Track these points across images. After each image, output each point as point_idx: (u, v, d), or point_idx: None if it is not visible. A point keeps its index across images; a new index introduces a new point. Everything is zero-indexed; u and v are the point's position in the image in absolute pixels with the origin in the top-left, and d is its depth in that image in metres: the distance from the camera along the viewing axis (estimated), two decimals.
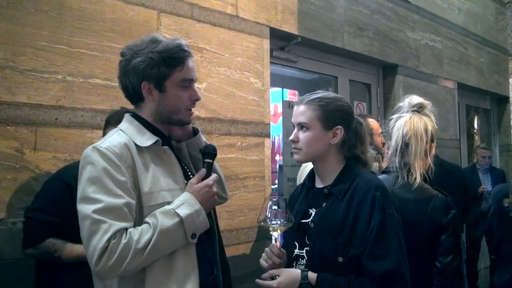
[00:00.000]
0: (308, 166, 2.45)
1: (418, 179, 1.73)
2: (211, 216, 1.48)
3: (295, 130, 1.51)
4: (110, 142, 1.30)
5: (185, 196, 1.33)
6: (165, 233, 1.24)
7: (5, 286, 1.86)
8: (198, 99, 1.43)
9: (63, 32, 2.09)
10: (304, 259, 1.45)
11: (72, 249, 1.70)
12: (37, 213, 1.75)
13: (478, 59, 5.49)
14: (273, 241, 1.43)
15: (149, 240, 1.22)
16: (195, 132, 1.55)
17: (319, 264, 1.38)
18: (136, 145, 1.32)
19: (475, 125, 6.23)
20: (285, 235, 1.49)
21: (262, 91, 2.99)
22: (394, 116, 1.87)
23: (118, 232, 1.19)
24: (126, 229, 1.22)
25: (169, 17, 2.52)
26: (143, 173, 1.30)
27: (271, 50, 3.14)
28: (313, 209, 1.48)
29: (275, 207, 1.41)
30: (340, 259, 1.36)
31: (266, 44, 3.04)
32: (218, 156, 2.56)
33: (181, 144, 1.51)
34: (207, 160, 1.45)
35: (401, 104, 1.89)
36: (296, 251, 1.48)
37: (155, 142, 1.35)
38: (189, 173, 1.48)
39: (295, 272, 1.37)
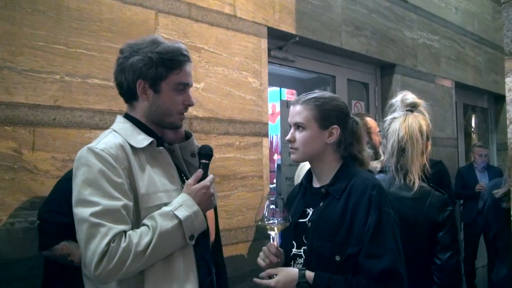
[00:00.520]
0: (306, 165, 2.45)
1: (417, 183, 1.74)
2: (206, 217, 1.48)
3: (292, 130, 1.52)
4: (105, 143, 1.28)
5: (183, 197, 1.32)
6: (165, 236, 1.24)
7: (3, 286, 1.86)
8: (191, 104, 1.43)
9: (61, 32, 2.09)
10: (302, 258, 1.46)
11: None
12: (50, 214, 1.74)
13: (476, 58, 5.51)
14: (271, 240, 1.44)
15: (149, 243, 1.21)
16: (187, 136, 1.55)
17: (317, 263, 1.39)
18: (131, 146, 1.31)
19: (473, 124, 6.25)
20: (283, 235, 1.50)
21: (260, 90, 2.99)
22: (389, 118, 1.87)
23: (117, 236, 1.18)
24: (125, 232, 1.21)
25: (167, 17, 2.52)
26: (139, 174, 1.29)
27: (269, 50, 3.15)
28: (311, 208, 1.49)
29: (272, 206, 1.42)
30: (337, 258, 1.37)
31: (264, 43, 3.04)
32: (217, 155, 2.58)
33: (174, 146, 1.51)
34: (203, 161, 1.44)
35: (393, 101, 1.90)
36: (294, 250, 1.49)
37: (150, 143, 1.34)
38: (183, 176, 1.47)
39: (293, 271, 1.38)
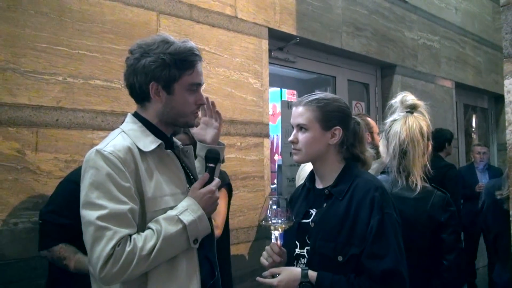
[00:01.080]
0: (307, 166, 2.47)
1: (419, 184, 1.74)
2: (211, 220, 1.48)
3: (294, 131, 1.52)
4: (114, 146, 1.28)
5: (188, 201, 1.32)
6: (169, 240, 1.24)
7: (7, 286, 1.88)
8: (203, 103, 1.44)
9: (63, 33, 2.11)
10: (305, 259, 1.46)
11: (80, 261, 1.69)
12: (51, 215, 1.75)
13: (476, 58, 5.52)
14: (274, 240, 1.45)
15: (153, 247, 1.22)
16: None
17: (319, 263, 1.40)
18: (139, 149, 1.31)
19: (473, 124, 6.26)
20: (286, 235, 1.51)
21: (261, 91, 3.00)
22: (389, 120, 1.87)
23: (122, 239, 1.19)
24: (130, 235, 1.21)
25: (168, 18, 2.54)
26: (146, 178, 1.29)
27: (270, 51, 3.16)
28: (314, 209, 1.50)
29: (276, 206, 1.43)
30: (340, 258, 1.37)
31: (264, 44, 3.05)
32: None
33: (188, 147, 1.51)
34: (210, 165, 1.43)
35: (393, 102, 1.90)
36: (297, 250, 1.50)
37: (158, 146, 1.34)
38: (191, 177, 1.47)
39: (296, 271, 1.39)
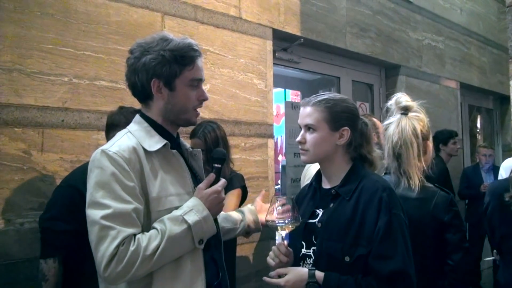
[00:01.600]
0: (312, 166, 2.46)
1: (417, 184, 1.74)
2: (217, 220, 1.48)
3: (302, 131, 1.51)
4: (119, 146, 1.28)
5: (194, 201, 1.32)
6: (173, 240, 1.24)
7: (13, 285, 1.89)
8: (205, 99, 1.43)
9: (69, 35, 2.12)
10: (311, 259, 1.46)
11: None
12: (52, 222, 1.72)
13: (481, 59, 5.50)
14: (280, 240, 1.45)
15: (157, 247, 1.22)
16: None
17: (326, 264, 1.39)
18: (145, 149, 1.31)
19: (478, 125, 6.23)
20: (292, 235, 1.50)
21: (265, 92, 3.01)
22: (385, 123, 1.88)
23: (126, 239, 1.19)
24: (135, 235, 1.22)
25: (173, 19, 2.55)
26: (151, 178, 1.30)
27: (274, 51, 3.17)
28: (320, 209, 1.50)
29: (282, 206, 1.43)
30: (347, 259, 1.37)
31: (269, 45, 3.06)
32: None
33: (197, 151, 1.51)
34: (216, 165, 1.43)
35: (388, 104, 1.91)
36: (303, 250, 1.50)
37: (164, 145, 1.34)
38: (198, 178, 1.48)
39: (303, 271, 1.39)
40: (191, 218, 1.28)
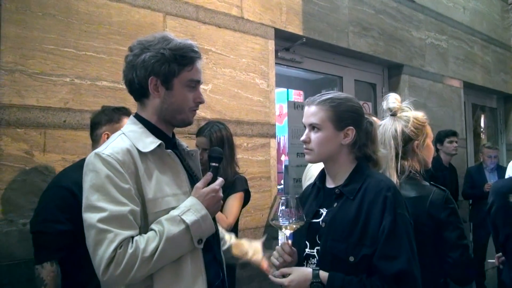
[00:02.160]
0: (313, 166, 2.46)
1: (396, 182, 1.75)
2: (215, 219, 1.48)
3: (306, 130, 1.50)
4: (112, 148, 1.27)
5: (191, 201, 1.31)
6: (172, 240, 1.23)
7: (15, 286, 1.89)
8: (202, 102, 1.42)
9: (70, 35, 2.12)
10: (315, 259, 1.45)
11: None
12: (46, 225, 1.66)
13: (484, 58, 5.47)
14: (284, 239, 1.44)
15: (155, 248, 1.21)
16: None
17: (330, 264, 1.39)
18: (139, 151, 1.30)
19: (482, 124, 6.20)
20: (295, 235, 1.49)
21: (268, 91, 3.00)
22: (378, 123, 1.88)
23: (124, 241, 1.18)
24: (132, 237, 1.21)
25: (174, 19, 2.54)
26: (146, 179, 1.28)
27: (276, 51, 3.16)
28: (324, 209, 1.49)
29: (286, 205, 1.42)
30: (351, 259, 1.36)
31: (271, 45, 3.05)
32: None
33: (194, 151, 1.51)
34: (213, 164, 1.43)
35: (382, 105, 1.91)
36: (307, 250, 1.49)
37: (159, 146, 1.33)
38: (195, 177, 1.46)
39: (307, 271, 1.38)
40: (189, 217, 1.27)
